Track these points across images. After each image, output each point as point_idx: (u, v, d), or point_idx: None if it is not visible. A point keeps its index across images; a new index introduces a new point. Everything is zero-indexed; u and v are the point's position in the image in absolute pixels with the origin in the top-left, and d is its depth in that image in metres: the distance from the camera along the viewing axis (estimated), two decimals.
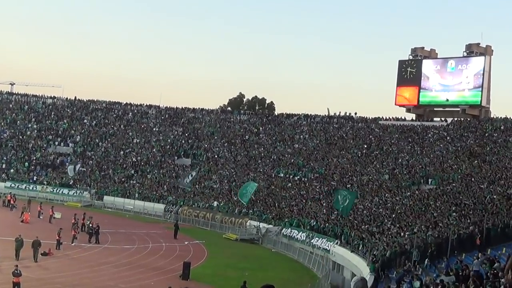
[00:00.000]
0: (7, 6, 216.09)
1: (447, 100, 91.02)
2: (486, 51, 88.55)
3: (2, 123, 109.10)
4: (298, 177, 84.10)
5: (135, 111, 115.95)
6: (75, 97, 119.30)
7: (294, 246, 63.71)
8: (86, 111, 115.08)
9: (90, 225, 61.96)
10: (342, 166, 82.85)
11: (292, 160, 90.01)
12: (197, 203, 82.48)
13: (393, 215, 59.09)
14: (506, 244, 40.68)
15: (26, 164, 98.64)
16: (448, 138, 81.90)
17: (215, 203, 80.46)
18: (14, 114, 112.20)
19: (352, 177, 77.65)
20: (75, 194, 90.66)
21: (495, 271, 28.83)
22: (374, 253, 47.56)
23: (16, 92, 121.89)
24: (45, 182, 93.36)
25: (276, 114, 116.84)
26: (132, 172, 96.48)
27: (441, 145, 79.96)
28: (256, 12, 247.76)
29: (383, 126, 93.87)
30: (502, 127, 79.13)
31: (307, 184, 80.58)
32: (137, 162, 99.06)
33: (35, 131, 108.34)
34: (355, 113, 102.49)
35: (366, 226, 57.93)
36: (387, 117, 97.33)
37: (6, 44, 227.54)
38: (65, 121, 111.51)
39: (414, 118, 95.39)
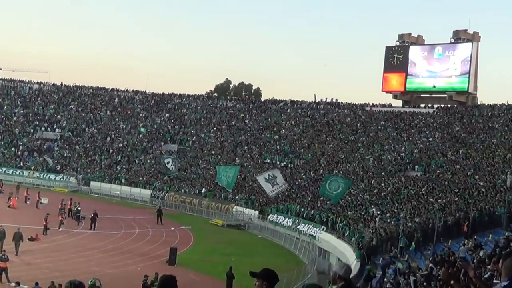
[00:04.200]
0: None
1: (434, 86, 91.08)
2: (473, 38, 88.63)
3: None
4: (285, 163, 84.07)
5: (121, 96, 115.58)
6: (62, 83, 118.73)
7: (280, 232, 63.69)
8: (72, 97, 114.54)
9: (78, 208, 62.35)
10: (329, 152, 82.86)
11: (279, 146, 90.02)
12: (183, 189, 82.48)
13: (379, 202, 59.25)
14: (492, 231, 40.83)
15: (13, 149, 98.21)
16: (434, 124, 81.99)
17: (203, 190, 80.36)
18: (0, 100, 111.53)
19: (338, 163, 77.66)
20: (61, 179, 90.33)
21: (481, 258, 28.91)
22: (360, 239, 47.65)
23: (3, 78, 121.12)
24: (31, 168, 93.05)
25: (263, 100, 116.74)
26: (119, 157, 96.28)
27: (428, 132, 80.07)
28: None
29: (369, 112, 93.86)
30: (489, 114, 79.30)
31: (293, 170, 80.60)
32: (123, 148, 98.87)
33: (22, 116, 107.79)
34: (336, 100, 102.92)
35: (352, 212, 58.08)
36: (374, 104, 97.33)
37: None
38: (52, 106, 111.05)
39: (401, 105, 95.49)
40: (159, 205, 72.99)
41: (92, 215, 59.58)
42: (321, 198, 66.26)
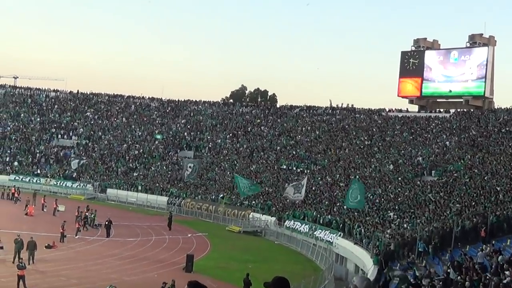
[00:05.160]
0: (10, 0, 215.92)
1: (450, 91, 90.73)
2: (489, 42, 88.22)
3: (6, 116, 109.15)
4: (301, 169, 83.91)
5: (138, 103, 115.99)
6: (78, 90, 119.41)
7: (297, 238, 63.53)
8: (88, 104, 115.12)
9: (92, 216, 62.80)
10: (345, 157, 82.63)
11: (295, 152, 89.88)
12: (200, 195, 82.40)
13: (396, 207, 58.97)
14: (510, 236, 40.53)
15: (30, 157, 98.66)
16: (451, 129, 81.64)
17: (221, 195, 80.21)
18: (17, 107, 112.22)
19: (354, 168, 77.41)
20: (78, 186, 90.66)
21: (499, 263, 28.72)
22: (377, 245, 47.45)
23: (20, 86, 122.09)
24: (48, 175, 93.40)
25: (278, 106, 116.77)
26: (136, 164, 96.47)
27: (444, 136, 79.74)
28: (258, 4, 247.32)
29: (385, 117, 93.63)
30: (505, 118, 78.87)
31: (310, 176, 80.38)
32: (139, 155, 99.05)
33: (38, 124, 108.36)
34: (352, 105, 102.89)
35: (369, 218, 57.84)
36: (390, 109, 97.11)
37: (9, 38, 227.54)
38: (68, 114, 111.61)
39: (417, 110, 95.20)
40: (170, 212, 73.00)
41: (107, 222, 59.58)
42: (338, 204, 66.12)
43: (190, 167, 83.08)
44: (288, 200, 70.26)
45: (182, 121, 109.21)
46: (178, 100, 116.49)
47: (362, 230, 54.33)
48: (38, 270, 42.39)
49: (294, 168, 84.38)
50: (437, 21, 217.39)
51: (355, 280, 8.68)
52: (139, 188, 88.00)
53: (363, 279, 8.71)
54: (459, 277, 29.40)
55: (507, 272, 26.91)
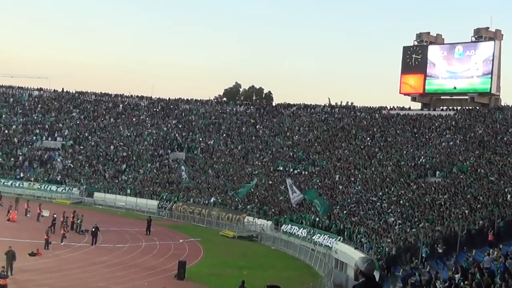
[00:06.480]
0: None
1: (455, 87, 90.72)
2: (495, 36, 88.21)
3: None
4: (298, 170, 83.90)
5: (126, 103, 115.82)
6: (63, 89, 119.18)
7: (294, 243, 63.55)
8: (74, 104, 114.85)
9: (79, 221, 63.02)
10: (344, 158, 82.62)
11: (292, 153, 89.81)
12: (192, 198, 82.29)
13: (399, 210, 58.98)
14: None
15: (12, 159, 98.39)
16: (456, 127, 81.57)
17: (212, 199, 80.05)
18: None
19: (355, 170, 77.40)
20: (63, 190, 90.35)
21: (507, 268, 28.72)
22: (379, 250, 47.44)
23: (1, 84, 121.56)
24: (32, 179, 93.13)
25: (274, 104, 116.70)
26: (124, 167, 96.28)
27: (449, 136, 79.69)
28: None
29: (387, 116, 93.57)
30: None
31: (308, 178, 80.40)
32: (128, 157, 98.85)
33: (21, 125, 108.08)
34: (351, 103, 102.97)
35: (370, 222, 57.86)
36: (392, 107, 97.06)
37: None
38: (53, 114, 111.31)
39: (420, 107, 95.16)
40: (149, 215, 72.88)
41: (93, 229, 59.10)
42: (337, 207, 66.16)
43: (183, 170, 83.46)
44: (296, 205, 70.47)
45: (173, 121, 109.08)
46: (169, 99, 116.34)
47: (363, 234, 54.36)
48: (21, 279, 42.21)
49: (291, 170, 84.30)
50: (441, 14, 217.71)
51: (357, 261, 8.73)
52: (128, 191, 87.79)
53: (365, 260, 8.79)
54: (464, 282, 29.41)
55: None
